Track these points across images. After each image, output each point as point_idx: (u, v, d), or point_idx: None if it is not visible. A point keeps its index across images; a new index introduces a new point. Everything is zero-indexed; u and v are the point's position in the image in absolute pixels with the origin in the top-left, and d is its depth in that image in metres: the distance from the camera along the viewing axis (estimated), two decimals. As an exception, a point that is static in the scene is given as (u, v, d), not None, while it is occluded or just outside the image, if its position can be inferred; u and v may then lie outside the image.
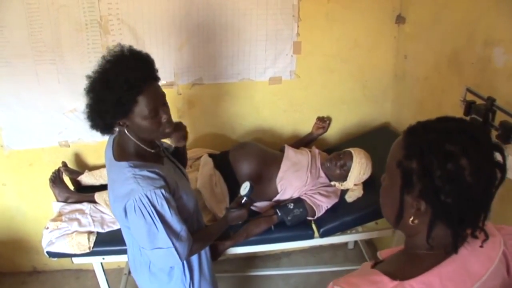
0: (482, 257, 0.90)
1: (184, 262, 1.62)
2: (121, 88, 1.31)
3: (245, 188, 1.80)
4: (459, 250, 0.88)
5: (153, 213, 1.39)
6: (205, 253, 1.75)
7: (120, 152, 1.47)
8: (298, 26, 2.31)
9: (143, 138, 1.46)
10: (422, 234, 0.90)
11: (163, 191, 1.40)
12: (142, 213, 1.39)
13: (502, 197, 1.61)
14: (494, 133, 1.49)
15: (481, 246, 0.89)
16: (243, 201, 1.79)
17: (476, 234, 0.89)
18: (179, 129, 1.74)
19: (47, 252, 2.04)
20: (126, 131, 1.42)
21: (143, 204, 1.38)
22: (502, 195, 1.58)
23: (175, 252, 1.46)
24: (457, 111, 1.70)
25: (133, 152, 1.46)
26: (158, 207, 1.40)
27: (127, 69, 1.34)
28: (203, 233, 1.69)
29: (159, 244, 1.44)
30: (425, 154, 0.85)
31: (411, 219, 0.89)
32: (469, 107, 1.60)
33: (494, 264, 0.89)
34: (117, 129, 1.44)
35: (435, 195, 0.84)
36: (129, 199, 1.37)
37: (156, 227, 1.41)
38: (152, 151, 1.50)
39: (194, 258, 1.70)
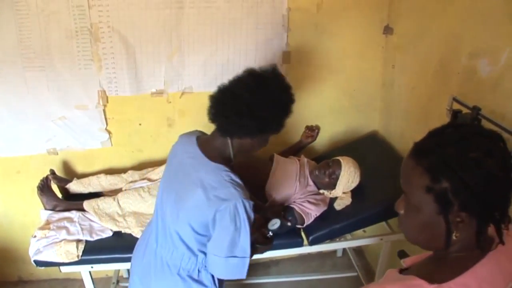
0: (510, 255, 0.91)
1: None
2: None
3: (273, 225, 1.85)
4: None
5: (244, 222, 1.42)
6: None
7: (214, 154, 1.52)
8: (287, 36, 2.34)
9: (239, 150, 1.53)
10: (458, 243, 0.90)
11: (251, 202, 1.45)
12: (235, 219, 1.41)
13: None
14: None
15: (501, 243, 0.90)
16: (268, 235, 1.82)
17: (501, 229, 0.89)
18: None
19: (35, 261, 2.02)
20: (229, 139, 1.50)
21: (238, 211, 1.41)
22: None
23: (247, 263, 1.49)
24: (444, 120, 1.74)
25: (227, 158, 1.53)
26: (247, 217, 1.44)
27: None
28: None
29: (236, 253, 1.46)
30: (454, 169, 0.83)
31: (454, 234, 0.88)
32: (455, 116, 1.63)
33: None
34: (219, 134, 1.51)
35: (478, 202, 0.84)
36: (227, 203, 1.40)
37: (240, 235, 1.44)
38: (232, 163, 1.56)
39: None
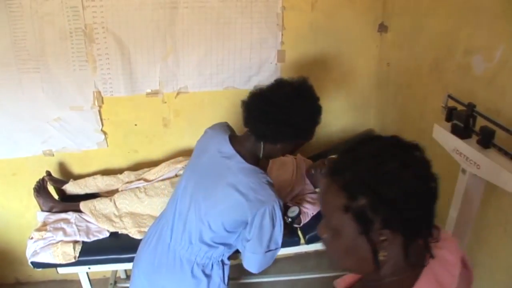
0: (447, 266, 0.87)
1: (224, 268, 1.77)
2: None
3: (293, 212, 1.96)
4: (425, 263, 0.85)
5: (280, 219, 1.57)
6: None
7: (249, 155, 1.61)
8: (282, 35, 2.34)
9: (268, 153, 1.64)
10: (387, 263, 0.85)
11: (282, 200, 1.59)
12: (273, 218, 1.55)
13: (483, 202, 1.65)
14: (475, 138, 1.53)
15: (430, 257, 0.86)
16: (288, 221, 1.94)
17: (429, 242, 0.86)
18: None
19: (32, 263, 2.01)
20: (263, 143, 1.60)
21: (275, 211, 1.54)
22: (483, 200, 1.63)
23: (277, 253, 1.66)
24: (439, 117, 1.74)
25: (257, 159, 1.64)
26: (282, 214, 1.58)
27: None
28: None
29: (271, 246, 1.61)
30: (369, 184, 0.79)
31: (381, 254, 0.83)
32: (450, 113, 1.64)
33: (459, 269, 0.88)
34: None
35: (399, 217, 0.80)
36: (267, 205, 1.51)
37: (276, 231, 1.58)
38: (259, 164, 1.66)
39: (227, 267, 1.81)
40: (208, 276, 1.72)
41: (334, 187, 0.84)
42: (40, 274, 2.69)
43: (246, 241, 1.60)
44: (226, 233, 1.63)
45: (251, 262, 1.65)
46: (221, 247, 1.69)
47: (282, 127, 1.53)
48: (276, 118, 1.52)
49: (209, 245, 1.66)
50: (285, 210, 1.92)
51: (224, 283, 1.78)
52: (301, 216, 2.07)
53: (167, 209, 1.80)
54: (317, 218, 2.12)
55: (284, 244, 2.11)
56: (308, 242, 2.10)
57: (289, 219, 1.94)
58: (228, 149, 1.62)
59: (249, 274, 2.85)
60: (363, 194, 0.80)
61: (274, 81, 1.64)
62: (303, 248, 2.16)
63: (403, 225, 0.81)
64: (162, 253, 1.72)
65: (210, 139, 1.71)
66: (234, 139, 1.67)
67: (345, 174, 0.83)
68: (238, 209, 1.54)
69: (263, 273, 2.90)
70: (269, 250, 1.61)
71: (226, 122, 1.81)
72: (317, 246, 2.21)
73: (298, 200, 2.13)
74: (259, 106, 1.56)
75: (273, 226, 1.56)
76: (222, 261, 1.76)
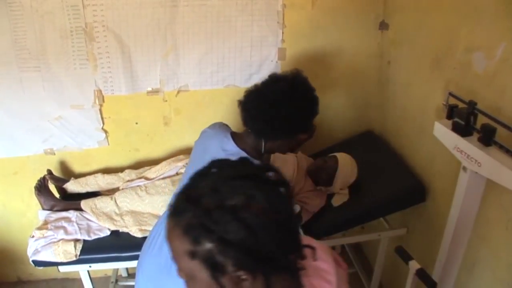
0: (324, 275, 0.85)
1: None
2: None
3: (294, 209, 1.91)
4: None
5: None
6: None
7: (252, 152, 1.61)
8: (282, 33, 2.33)
9: (269, 149, 1.65)
10: None
11: None
12: None
13: (485, 199, 1.65)
14: (476, 136, 1.52)
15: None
16: None
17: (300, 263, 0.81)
18: None
19: (33, 261, 2.02)
20: (263, 140, 1.61)
21: None
22: (485, 197, 1.62)
23: None
24: (440, 115, 1.74)
25: (259, 155, 1.64)
26: None
27: None
28: None
29: None
30: (212, 226, 0.72)
31: None
32: (451, 111, 1.63)
33: (334, 275, 0.87)
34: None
35: (251, 256, 0.73)
36: None
37: None
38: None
39: None
40: None
41: (176, 231, 0.76)
42: (42, 272, 2.70)
43: None
44: None
45: None
46: None
47: (281, 123, 1.54)
48: (273, 115, 1.53)
49: None
50: None
51: None
52: (302, 214, 2.08)
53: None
54: (318, 216, 2.12)
55: (285, 242, 2.14)
56: (309, 240, 2.10)
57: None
58: (232, 146, 1.62)
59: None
60: (206, 238, 0.72)
61: (269, 77, 1.64)
62: (303, 246, 2.16)
63: (258, 263, 0.74)
64: (167, 256, 1.70)
65: (211, 138, 1.71)
66: (236, 136, 1.68)
67: (186, 215, 0.75)
68: None
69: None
70: None
71: (222, 122, 1.82)
72: (318, 244, 2.21)
73: (299, 198, 2.13)
74: (256, 105, 1.57)
75: None
76: None
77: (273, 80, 1.62)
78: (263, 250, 0.73)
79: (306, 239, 0.87)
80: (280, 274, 0.78)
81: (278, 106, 1.53)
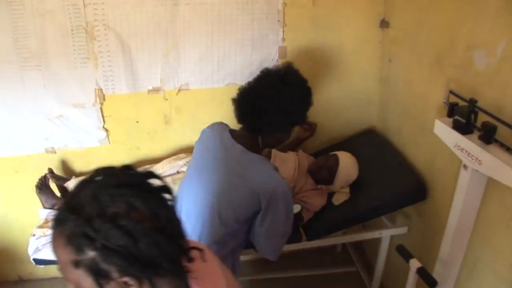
0: (210, 278, 0.87)
1: (235, 261, 1.78)
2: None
3: (295, 209, 2.01)
4: None
5: (291, 200, 1.64)
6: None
7: (252, 148, 1.64)
8: (283, 31, 2.33)
9: (267, 144, 1.71)
10: None
11: None
12: (287, 200, 1.60)
13: (486, 198, 1.64)
14: (476, 134, 1.52)
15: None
16: None
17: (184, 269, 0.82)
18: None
19: (34, 259, 2.02)
20: (260, 136, 1.65)
21: (287, 193, 1.59)
22: (486, 196, 1.62)
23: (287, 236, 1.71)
24: (441, 113, 1.74)
25: (259, 150, 1.69)
26: (291, 195, 1.65)
27: None
28: None
29: (287, 229, 1.67)
30: (93, 235, 0.72)
31: None
32: (452, 108, 1.63)
33: (219, 277, 0.89)
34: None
35: (135, 262, 0.74)
36: (279, 189, 1.56)
37: (290, 212, 1.64)
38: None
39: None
40: None
41: (60, 241, 0.76)
42: (42, 271, 2.71)
43: (261, 228, 1.62)
44: (237, 225, 1.63)
45: (269, 249, 1.68)
46: (232, 242, 1.69)
47: (275, 117, 1.55)
48: (266, 110, 1.54)
49: (219, 243, 1.66)
50: None
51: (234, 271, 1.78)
52: (303, 213, 2.07)
53: None
54: (319, 214, 2.12)
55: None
56: (310, 238, 2.10)
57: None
58: (232, 143, 1.64)
59: (251, 271, 2.88)
60: (89, 246, 0.73)
61: (260, 72, 1.66)
62: (304, 244, 2.16)
63: (142, 269, 0.76)
64: None
65: (211, 137, 1.72)
66: (235, 133, 1.69)
67: (67, 226, 0.75)
68: (251, 198, 1.56)
69: (265, 269, 2.92)
70: (284, 234, 1.66)
71: (221, 122, 1.84)
72: (319, 243, 2.21)
73: (300, 197, 2.12)
74: (249, 101, 1.59)
75: (287, 210, 1.60)
76: (233, 256, 1.76)
77: (264, 74, 1.64)
78: (146, 255, 0.74)
79: (193, 242, 0.88)
80: (166, 278, 0.80)
81: (271, 100, 1.54)
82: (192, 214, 1.66)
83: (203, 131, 1.80)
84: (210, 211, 1.61)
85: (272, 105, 1.54)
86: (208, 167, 1.66)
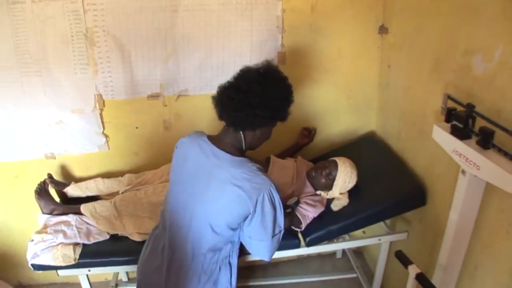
0: None
1: (232, 269, 1.76)
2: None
3: (292, 200, 2.12)
4: None
5: (279, 202, 1.59)
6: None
7: (232, 149, 1.63)
8: (282, 37, 2.34)
9: (250, 142, 1.67)
10: None
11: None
12: (274, 202, 1.57)
13: (485, 203, 1.63)
14: (474, 139, 1.52)
15: None
16: (288, 210, 2.08)
17: None
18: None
19: (32, 265, 2.02)
20: (242, 133, 1.62)
21: (273, 194, 1.56)
22: (485, 201, 1.61)
23: (281, 236, 1.67)
24: (440, 118, 1.73)
25: (241, 151, 1.66)
26: (279, 197, 1.60)
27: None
28: None
29: (276, 231, 1.63)
30: None
31: None
32: (450, 114, 1.63)
33: None
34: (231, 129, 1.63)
35: None
36: (264, 190, 1.53)
37: (278, 214, 1.60)
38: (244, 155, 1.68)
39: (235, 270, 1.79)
40: (215, 282, 1.71)
41: None
42: (42, 277, 2.71)
43: (249, 229, 1.60)
44: (230, 232, 1.62)
45: (261, 250, 1.66)
46: (227, 247, 1.68)
47: (257, 111, 1.53)
48: (249, 104, 1.52)
49: (214, 250, 1.65)
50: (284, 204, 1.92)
51: (231, 285, 1.77)
52: (301, 219, 2.07)
53: (161, 225, 1.80)
54: (318, 220, 2.11)
55: (284, 247, 2.12)
56: (309, 244, 2.09)
57: (290, 208, 2.05)
58: (211, 148, 1.62)
59: (251, 277, 2.87)
60: None
61: (240, 70, 1.64)
62: (303, 251, 2.15)
63: None
64: (169, 271, 1.70)
65: (188, 146, 1.69)
66: (213, 138, 1.68)
67: None
68: (238, 202, 1.53)
69: (265, 276, 2.92)
70: (275, 235, 1.63)
71: (198, 131, 1.82)
72: (318, 249, 2.21)
73: (299, 203, 2.12)
74: (230, 96, 1.56)
75: (274, 209, 1.58)
76: (230, 262, 1.75)
77: (244, 71, 1.63)
78: None
79: None
80: None
81: (252, 94, 1.53)
82: (183, 225, 1.64)
83: (180, 142, 1.77)
84: (201, 220, 1.59)
85: (256, 98, 1.52)
86: (190, 177, 1.64)
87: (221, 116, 1.62)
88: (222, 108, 1.60)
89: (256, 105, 1.52)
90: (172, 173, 1.76)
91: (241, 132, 1.61)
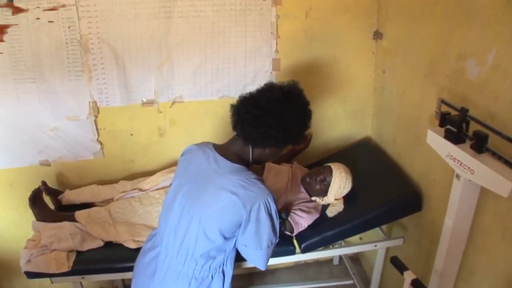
0: None
1: (225, 278, 1.73)
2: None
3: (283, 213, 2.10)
4: None
5: (275, 212, 1.57)
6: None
7: (234, 157, 1.62)
8: (276, 43, 2.34)
9: (257, 158, 1.65)
10: None
11: (274, 194, 1.59)
12: (269, 212, 1.55)
13: (480, 208, 1.63)
14: (468, 143, 1.51)
15: None
16: (281, 219, 2.05)
17: None
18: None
19: (25, 272, 1.99)
20: (251, 147, 1.61)
21: (270, 204, 1.55)
22: (480, 205, 1.61)
23: (273, 246, 1.66)
24: (435, 123, 1.73)
25: (245, 163, 1.63)
26: (276, 207, 1.58)
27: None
28: None
29: (273, 240, 1.62)
30: None
31: None
32: (444, 118, 1.63)
33: None
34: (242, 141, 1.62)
35: None
36: (260, 199, 1.52)
37: (275, 224, 1.59)
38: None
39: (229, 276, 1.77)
40: None
41: None
42: (37, 285, 2.68)
43: (245, 239, 1.59)
44: (223, 240, 1.60)
45: (257, 259, 1.65)
46: (220, 256, 1.67)
47: (272, 131, 1.52)
48: (266, 122, 1.51)
49: (206, 257, 1.64)
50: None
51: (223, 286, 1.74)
52: (294, 226, 2.05)
53: (159, 226, 1.79)
54: (312, 226, 2.10)
55: (279, 254, 2.11)
56: (304, 251, 2.07)
57: (283, 215, 2.06)
58: (214, 154, 1.62)
59: (248, 284, 2.85)
60: None
61: (264, 85, 1.63)
62: (299, 257, 2.14)
63: None
64: (160, 272, 1.69)
65: (195, 152, 1.70)
66: (219, 146, 1.68)
67: None
68: (232, 209, 1.52)
69: (262, 283, 2.90)
70: (270, 245, 1.62)
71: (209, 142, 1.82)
72: (313, 255, 2.19)
73: (293, 209, 2.11)
74: (249, 110, 1.55)
75: (271, 219, 1.56)
76: (223, 271, 1.73)
77: (269, 88, 1.62)
78: None
79: None
80: None
81: (271, 114, 1.52)
82: (181, 228, 1.63)
83: (188, 148, 1.78)
84: (195, 225, 1.59)
85: (273, 119, 1.51)
86: (191, 180, 1.64)
87: (235, 127, 1.62)
88: (238, 119, 1.59)
89: (271, 126, 1.52)
90: (175, 177, 1.76)
91: (250, 146, 1.61)
